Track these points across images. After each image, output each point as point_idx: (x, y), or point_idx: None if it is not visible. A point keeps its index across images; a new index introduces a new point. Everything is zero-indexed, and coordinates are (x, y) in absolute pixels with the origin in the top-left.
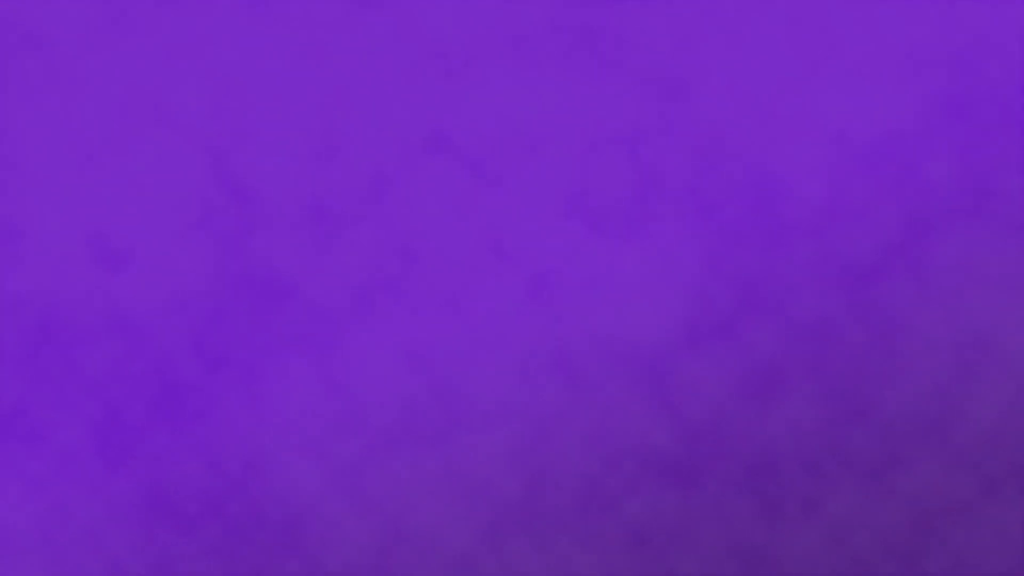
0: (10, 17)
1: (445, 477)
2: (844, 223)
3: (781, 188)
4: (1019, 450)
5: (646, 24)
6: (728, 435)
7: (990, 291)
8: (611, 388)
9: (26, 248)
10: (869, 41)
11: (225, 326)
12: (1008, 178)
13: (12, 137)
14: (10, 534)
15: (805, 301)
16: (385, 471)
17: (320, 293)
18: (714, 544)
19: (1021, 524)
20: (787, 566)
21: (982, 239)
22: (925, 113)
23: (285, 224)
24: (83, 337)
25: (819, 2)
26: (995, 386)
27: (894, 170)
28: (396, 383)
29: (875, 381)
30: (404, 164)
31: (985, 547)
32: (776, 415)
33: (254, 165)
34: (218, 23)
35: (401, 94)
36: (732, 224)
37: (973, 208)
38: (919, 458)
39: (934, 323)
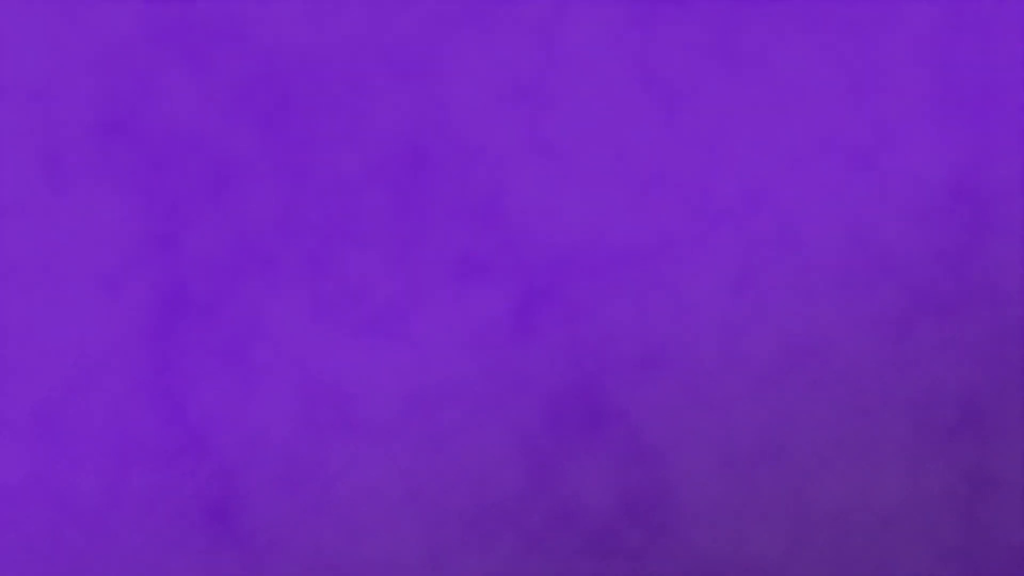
0: None
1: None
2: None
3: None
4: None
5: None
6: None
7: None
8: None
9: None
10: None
11: (222, 323)
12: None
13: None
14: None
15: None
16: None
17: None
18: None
19: None
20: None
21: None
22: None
23: (282, 225)
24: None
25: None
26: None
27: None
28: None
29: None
30: (386, 169)
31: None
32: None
33: (249, 164)
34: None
35: (383, 103)
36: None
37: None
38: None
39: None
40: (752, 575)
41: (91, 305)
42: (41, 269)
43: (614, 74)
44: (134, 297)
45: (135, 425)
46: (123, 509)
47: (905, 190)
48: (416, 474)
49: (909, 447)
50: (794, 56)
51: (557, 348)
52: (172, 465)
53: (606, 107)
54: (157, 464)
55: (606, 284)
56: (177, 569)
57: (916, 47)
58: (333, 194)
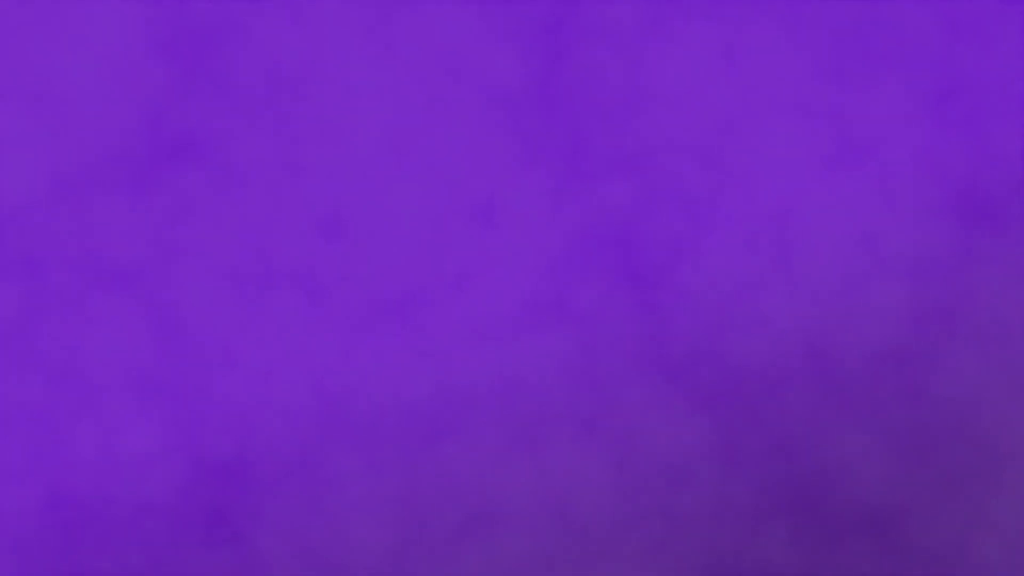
0: None
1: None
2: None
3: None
4: None
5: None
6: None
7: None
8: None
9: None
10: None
11: (229, 323)
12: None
13: None
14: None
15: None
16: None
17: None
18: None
19: None
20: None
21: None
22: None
23: (290, 224)
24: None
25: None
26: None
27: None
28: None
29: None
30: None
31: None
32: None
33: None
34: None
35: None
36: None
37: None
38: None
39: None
40: (755, 574)
41: (94, 306)
42: (43, 270)
43: (612, 73)
44: (137, 298)
45: (136, 426)
46: (123, 510)
47: (905, 190)
48: (417, 475)
49: (910, 446)
50: (796, 55)
51: (557, 349)
52: (173, 467)
53: (606, 106)
54: (158, 465)
55: (606, 283)
56: (177, 569)
57: (917, 47)
58: (327, 190)
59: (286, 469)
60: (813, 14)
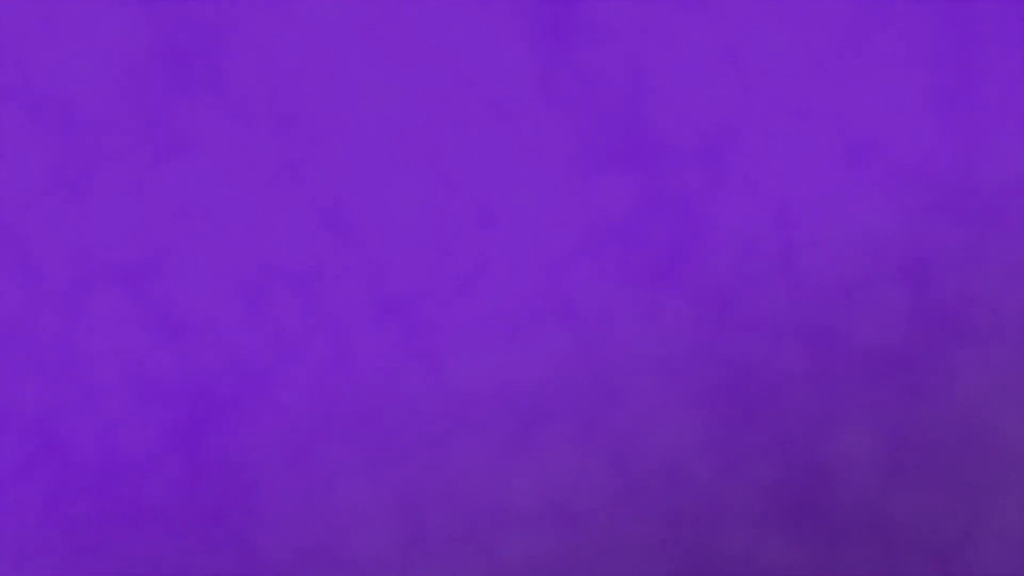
0: None
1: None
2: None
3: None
4: None
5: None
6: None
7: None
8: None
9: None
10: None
11: (234, 323)
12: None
13: None
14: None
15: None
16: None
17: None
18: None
19: None
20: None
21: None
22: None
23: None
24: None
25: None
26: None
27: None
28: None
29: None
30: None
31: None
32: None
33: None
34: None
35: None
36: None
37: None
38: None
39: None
40: (755, 574)
41: (93, 305)
42: (43, 269)
43: (613, 72)
44: (136, 298)
45: (136, 426)
46: (123, 510)
47: (905, 190)
48: (417, 475)
49: (910, 446)
50: (796, 55)
51: (557, 349)
52: (172, 467)
53: (607, 106)
54: (158, 465)
55: (607, 283)
56: (177, 569)
57: (917, 47)
58: (327, 190)
59: (286, 469)
60: (814, 14)
